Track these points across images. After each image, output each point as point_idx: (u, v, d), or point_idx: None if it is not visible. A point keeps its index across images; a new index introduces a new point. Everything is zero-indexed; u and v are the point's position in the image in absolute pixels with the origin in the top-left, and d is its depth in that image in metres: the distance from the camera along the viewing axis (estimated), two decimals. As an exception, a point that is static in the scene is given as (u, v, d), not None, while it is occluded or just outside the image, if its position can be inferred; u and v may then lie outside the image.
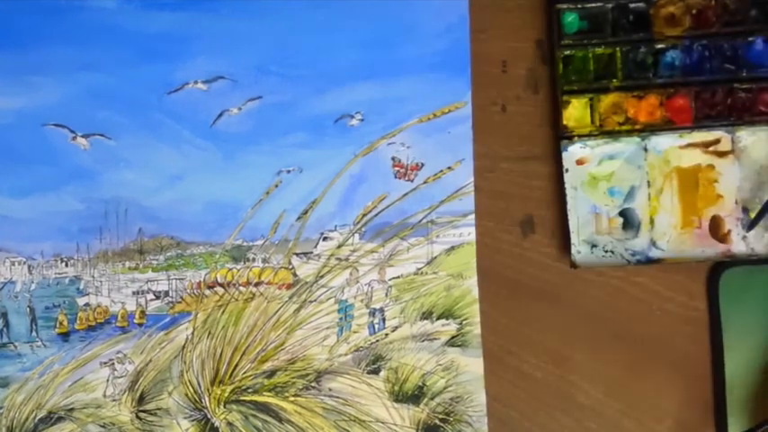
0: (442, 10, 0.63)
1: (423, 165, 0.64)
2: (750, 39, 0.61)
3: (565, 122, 0.62)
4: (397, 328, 0.63)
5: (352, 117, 0.63)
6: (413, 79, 0.63)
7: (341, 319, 0.63)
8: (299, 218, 0.63)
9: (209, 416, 0.62)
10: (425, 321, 0.63)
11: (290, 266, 0.63)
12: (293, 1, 0.63)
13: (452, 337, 0.63)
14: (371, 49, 0.63)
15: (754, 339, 0.61)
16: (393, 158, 0.64)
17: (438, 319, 0.63)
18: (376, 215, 0.63)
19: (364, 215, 0.63)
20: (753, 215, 0.61)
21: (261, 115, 0.63)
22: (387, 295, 0.63)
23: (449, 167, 0.63)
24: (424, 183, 0.64)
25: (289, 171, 0.63)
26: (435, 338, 0.63)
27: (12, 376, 0.62)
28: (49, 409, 0.62)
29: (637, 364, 0.62)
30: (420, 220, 0.63)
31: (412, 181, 0.64)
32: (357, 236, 0.63)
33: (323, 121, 0.63)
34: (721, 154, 0.62)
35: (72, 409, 0.62)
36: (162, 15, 0.62)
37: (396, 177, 0.64)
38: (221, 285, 0.63)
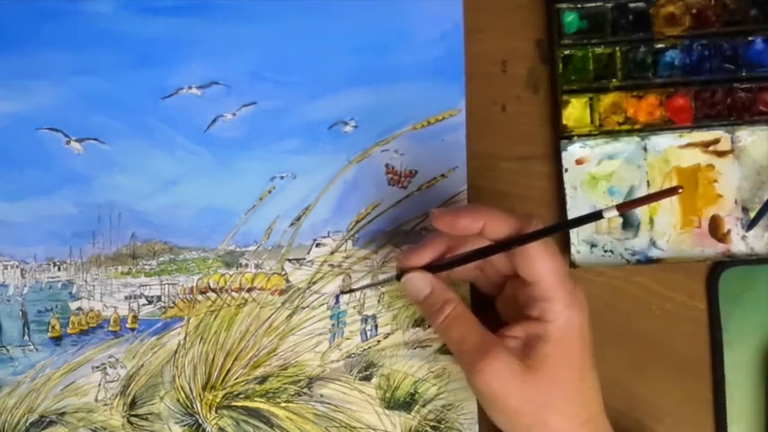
0: (437, 17, 0.63)
1: (416, 172, 0.63)
2: (750, 39, 0.61)
3: (564, 122, 0.62)
4: (389, 334, 0.62)
5: (346, 123, 0.63)
6: (407, 86, 0.63)
7: (333, 325, 0.62)
8: (292, 224, 0.63)
9: (200, 421, 0.61)
10: (417, 328, 0.62)
11: (283, 272, 0.63)
12: (288, 7, 0.63)
13: (444, 345, 0.61)
14: (366, 56, 0.63)
15: (754, 339, 0.60)
16: (387, 165, 0.63)
17: (430, 326, 0.61)
18: (369, 222, 0.63)
19: (357, 222, 0.63)
20: (752, 215, 0.60)
21: (255, 121, 0.63)
22: (379, 302, 0.62)
23: (442, 175, 0.63)
24: (418, 190, 0.63)
25: (282, 177, 0.63)
26: (427, 345, 0.62)
27: (3, 380, 0.62)
28: (40, 413, 0.61)
29: (637, 363, 0.61)
30: (413, 228, 0.63)
31: (405, 188, 0.63)
32: (350, 242, 0.63)
33: (317, 127, 0.63)
34: (721, 154, 0.61)
35: (64, 413, 0.61)
36: (157, 20, 0.63)
37: (389, 184, 0.63)
38: (214, 291, 0.63)
